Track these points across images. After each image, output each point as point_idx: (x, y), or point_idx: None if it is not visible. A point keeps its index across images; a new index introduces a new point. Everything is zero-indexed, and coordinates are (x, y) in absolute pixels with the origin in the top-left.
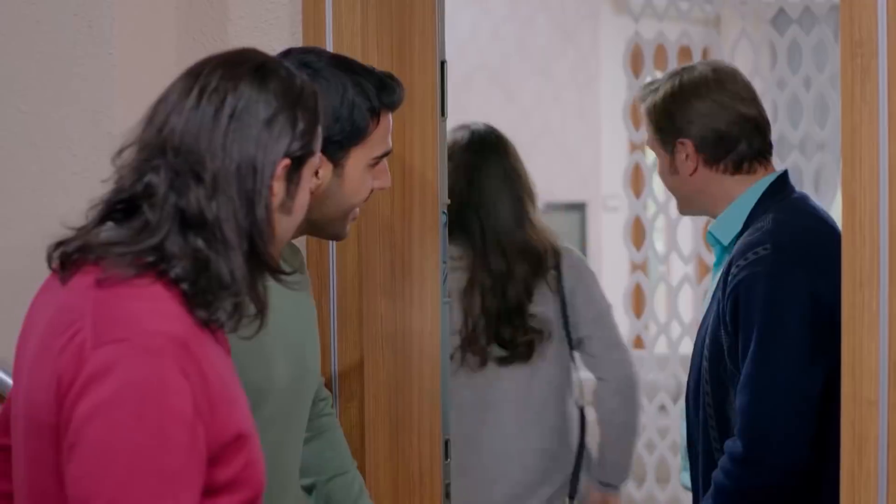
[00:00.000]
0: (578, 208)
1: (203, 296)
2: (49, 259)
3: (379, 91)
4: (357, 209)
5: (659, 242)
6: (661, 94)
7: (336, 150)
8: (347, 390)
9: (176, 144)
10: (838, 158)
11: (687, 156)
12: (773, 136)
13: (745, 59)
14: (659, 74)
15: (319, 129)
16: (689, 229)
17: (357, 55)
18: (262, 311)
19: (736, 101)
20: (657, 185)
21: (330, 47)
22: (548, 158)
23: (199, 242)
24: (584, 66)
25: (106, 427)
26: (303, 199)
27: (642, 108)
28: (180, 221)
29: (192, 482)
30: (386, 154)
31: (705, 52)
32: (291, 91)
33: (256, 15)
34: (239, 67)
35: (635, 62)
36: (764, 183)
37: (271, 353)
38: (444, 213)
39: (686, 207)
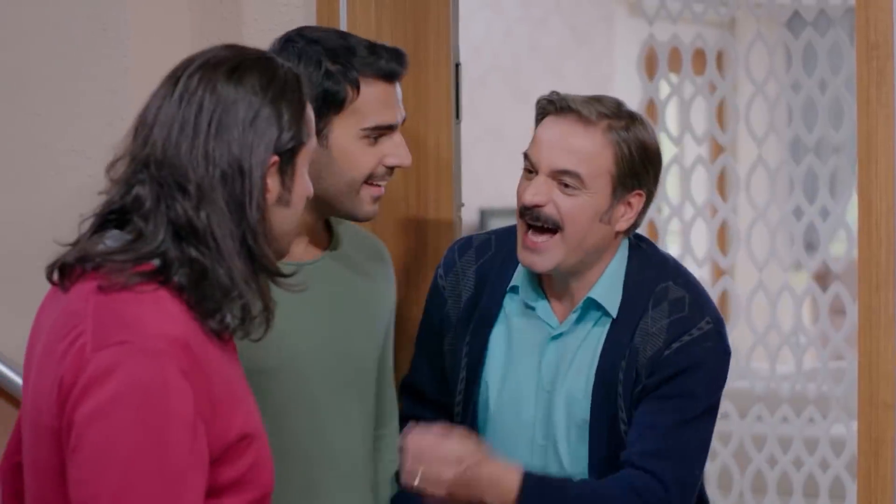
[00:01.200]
0: None
1: (208, 304)
2: (49, 274)
3: (362, 58)
4: (371, 188)
5: (673, 245)
6: (637, 135)
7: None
8: None
9: (159, 157)
10: (854, 161)
11: (629, 210)
12: (788, 139)
13: (760, 62)
14: (674, 77)
15: (309, 114)
16: (703, 232)
17: None
18: (267, 309)
19: None
20: (670, 187)
21: None
22: None
23: (194, 252)
24: (596, 67)
25: (107, 430)
26: (301, 187)
27: (602, 135)
28: (173, 232)
29: (194, 484)
30: (386, 127)
31: (720, 55)
32: (271, 84)
33: (271, 17)
34: (216, 69)
35: (649, 64)
36: (626, 242)
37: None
38: (458, 216)
39: (564, 264)
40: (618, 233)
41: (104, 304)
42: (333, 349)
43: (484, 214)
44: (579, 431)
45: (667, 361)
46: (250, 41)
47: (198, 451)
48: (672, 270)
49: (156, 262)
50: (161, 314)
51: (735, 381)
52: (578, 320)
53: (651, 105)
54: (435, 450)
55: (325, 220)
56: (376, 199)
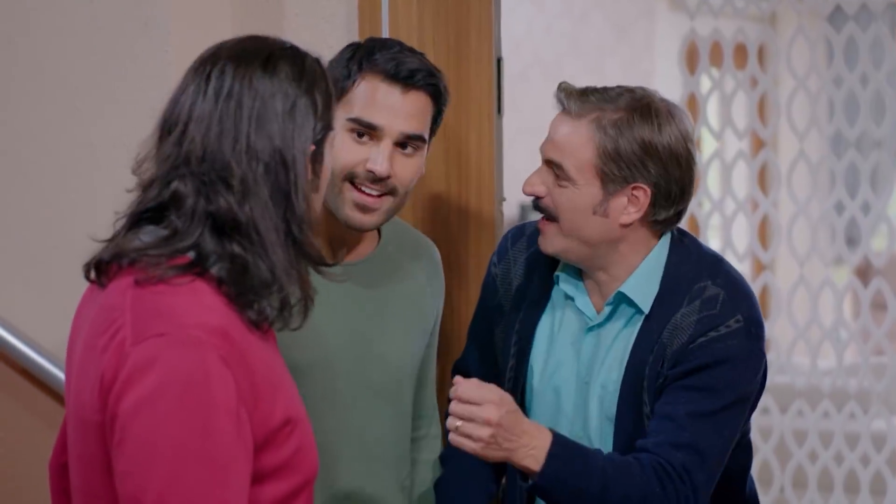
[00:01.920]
0: None
1: (247, 296)
2: (86, 273)
3: (376, 56)
4: (354, 191)
5: (714, 240)
6: (635, 129)
7: None
8: None
9: (199, 154)
10: (895, 156)
11: (632, 204)
12: (830, 134)
13: (802, 57)
14: (715, 72)
15: (334, 102)
16: (743, 226)
17: None
18: (307, 298)
19: (692, 145)
20: (711, 181)
21: None
22: None
23: (235, 247)
24: (638, 62)
25: (151, 422)
26: (326, 172)
27: (587, 127)
28: (212, 226)
29: (240, 471)
30: (368, 125)
31: (761, 50)
32: (303, 73)
33: (313, 11)
34: (249, 62)
35: (690, 59)
36: (667, 237)
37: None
38: (500, 210)
39: (570, 253)
40: (623, 226)
41: (141, 297)
42: (365, 350)
43: (524, 209)
44: (609, 425)
45: (690, 355)
46: (291, 35)
47: (242, 439)
48: (711, 268)
49: (191, 255)
50: (198, 304)
51: (776, 376)
52: (612, 314)
53: (692, 100)
54: (479, 391)
55: None
56: (363, 209)
